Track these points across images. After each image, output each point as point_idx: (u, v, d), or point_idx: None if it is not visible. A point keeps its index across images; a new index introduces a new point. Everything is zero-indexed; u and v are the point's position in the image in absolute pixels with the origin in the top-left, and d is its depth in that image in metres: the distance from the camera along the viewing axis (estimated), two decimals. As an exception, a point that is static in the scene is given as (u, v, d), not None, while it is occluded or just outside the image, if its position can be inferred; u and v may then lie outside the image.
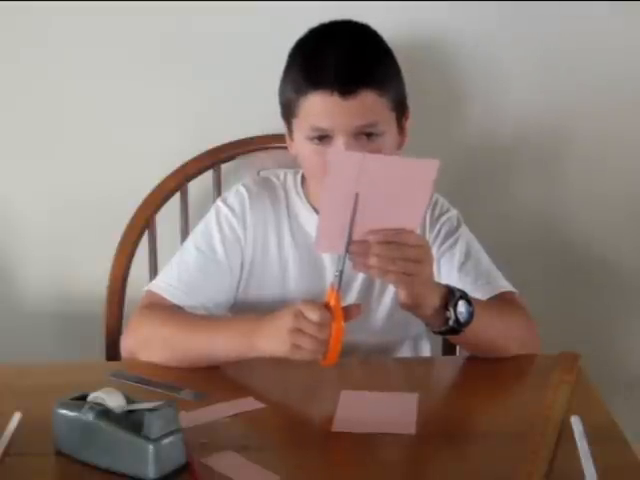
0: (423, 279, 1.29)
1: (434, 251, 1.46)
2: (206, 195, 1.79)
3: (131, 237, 1.75)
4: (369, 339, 1.51)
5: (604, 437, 1.14)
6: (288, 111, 1.46)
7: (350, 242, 1.22)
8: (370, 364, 1.48)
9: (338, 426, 1.19)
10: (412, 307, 1.32)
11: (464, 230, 1.54)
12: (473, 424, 1.21)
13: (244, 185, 1.56)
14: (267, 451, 1.15)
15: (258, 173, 1.70)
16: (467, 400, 1.32)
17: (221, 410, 1.24)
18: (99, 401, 1.09)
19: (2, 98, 1.85)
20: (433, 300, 1.32)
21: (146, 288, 1.51)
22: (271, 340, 1.28)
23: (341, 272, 1.23)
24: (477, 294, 1.41)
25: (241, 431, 1.20)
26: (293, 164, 1.55)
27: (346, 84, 1.38)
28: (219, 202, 1.55)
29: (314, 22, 1.47)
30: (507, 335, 1.41)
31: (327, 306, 1.23)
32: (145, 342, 1.42)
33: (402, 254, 1.23)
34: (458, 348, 1.64)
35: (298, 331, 1.23)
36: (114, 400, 1.09)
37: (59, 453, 1.12)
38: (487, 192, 1.90)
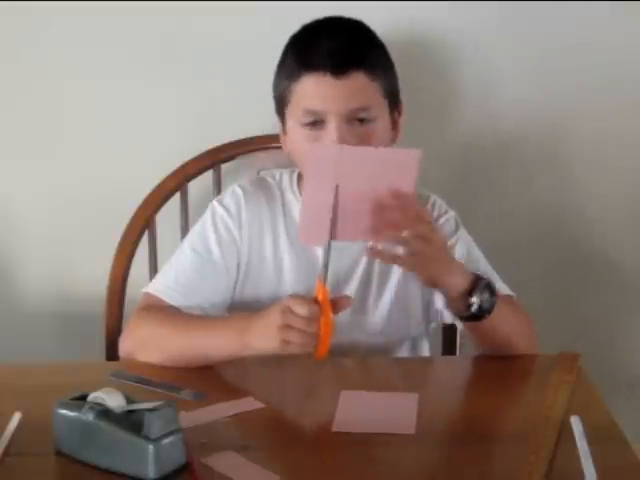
0: (435, 257, 1.28)
1: None
2: (206, 195, 1.79)
3: (131, 237, 1.75)
4: (367, 340, 1.51)
5: (604, 437, 1.14)
6: (282, 101, 1.47)
7: (334, 234, 1.22)
8: (370, 364, 1.48)
9: (338, 426, 1.19)
10: (434, 286, 1.32)
11: (463, 232, 1.54)
12: (473, 424, 1.21)
13: (240, 185, 1.57)
14: (267, 451, 1.15)
15: (258, 173, 1.70)
16: (467, 400, 1.32)
17: (221, 410, 1.24)
18: (99, 401, 1.09)
19: (2, 98, 1.85)
20: (457, 281, 1.33)
21: (144, 290, 1.51)
22: (261, 337, 1.29)
23: (326, 264, 1.23)
24: None
25: (241, 431, 1.20)
26: (293, 164, 1.55)
27: (338, 65, 1.40)
28: (215, 203, 1.56)
29: (314, 22, 1.47)
30: (520, 332, 1.42)
31: (316, 300, 1.23)
32: (142, 343, 1.43)
33: (415, 232, 1.23)
34: (458, 348, 1.65)
35: (287, 327, 1.24)
36: (114, 400, 1.09)
37: (59, 453, 1.12)
38: (486, 192, 1.90)
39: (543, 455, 1.08)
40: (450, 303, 1.38)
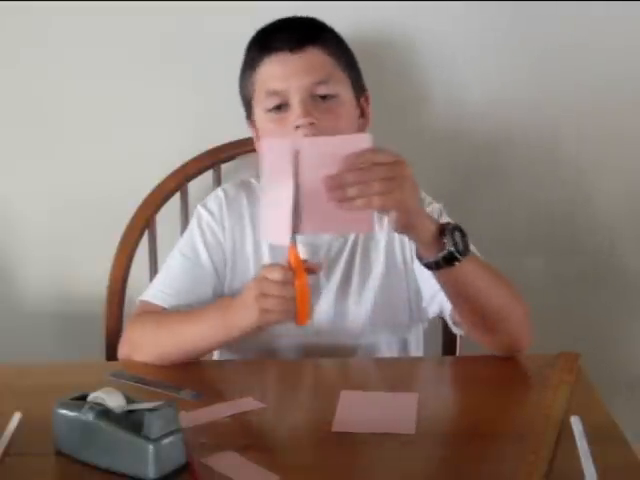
0: (409, 194, 1.22)
1: None
2: (206, 195, 1.78)
3: (131, 237, 1.75)
4: (348, 341, 1.51)
5: (604, 437, 1.14)
6: (248, 96, 1.51)
7: (297, 227, 1.21)
8: (370, 364, 1.48)
9: (338, 426, 1.19)
10: (408, 228, 1.27)
11: (446, 219, 1.52)
12: (473, 424, 1.21)
13: (222, 189, 1.60)
14: (267, 451, 1.15)
15: (258, 173, 1.70)
16: (467, 400, 1.32)
17: (221, 410, 1.24)
18: (99, 401, 1.09)
19: (2, 98, 1.85)
20: (427, 224, 1.28)
21: (139, 299, 1.54)
22: (241, 313, 1.31)
23: (294, 231, 1.21)
24: None
25: (241, 431, 1.20)
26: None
27: (295, 42, 1.44)
28: (199, 207, 1.58)
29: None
30: (497, 293, 1.36)
31: (289, 265, 1.24)
32: (136, 345, 1.45)
33: (377, 175, 1.18)
34: (458, 348, 1.64)
35: (263, 295, 1.26)
36: (114, 400, 1.09)
37: (59, 453, 1.12)
38: (486, 191, 1.90)
39: (543, 455, 1.08)
40: (423, 249, 1.31)
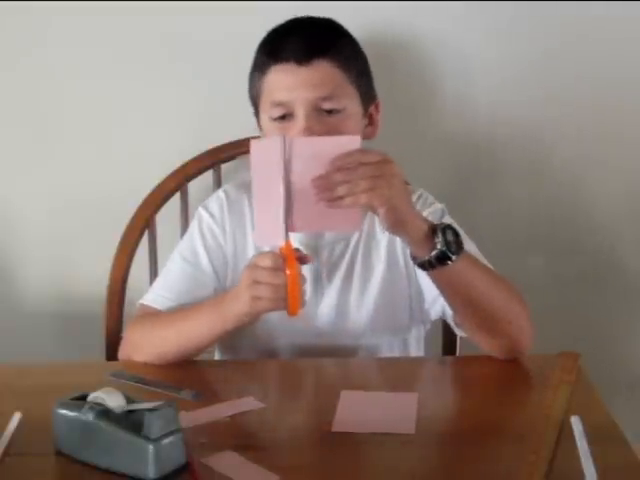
0: (396, 191, 1.23)
1: None
2: (206, 195, 1.78)
3: (131, 237, 1.75)
4: (349, 342, 1.51)
5: (604, 437, 1.14)
6: (256, 98, 1.50)
7: (291, 226, 1.22)
8: (370, 364, 1.48)
9: (338, 426, 1.19)
10: (398, 226, 1.27)
11: (448, 219, 1.52)
12: (473, 424, 1.21)
13: (224, 190, 1.59)
14: (267, 451, 1.15)
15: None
16: (467, 400, 1.32)
17: (221, 410, 1.24)
18: (99, 401, 1.09)
19: (2, 98, 1.85)
20: (418, 223, 1.28)
21: (139, 302, 1.53)
22: (234, 302, 1.32)
23: (286, 223, 1.22)
24: None
25: (241, 431, 1.20)
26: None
27: (302, 54, 1.41)
28: (200, 209, 1.57)
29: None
30: (496, 295, 1.35)
31: (280, 254, 1.25)
32: (136, 346, 1.45)
33: (364, 173, 1.20)
34: (458, 348, 1.64)
35: (255, 282, 1.26)
36: (114, 400, 1.09)
37: (59, 453, 1.12)
38: (486, 191, 1.90)
39: (543, 455, 1.08)
40: (416, 248, 1.31)
